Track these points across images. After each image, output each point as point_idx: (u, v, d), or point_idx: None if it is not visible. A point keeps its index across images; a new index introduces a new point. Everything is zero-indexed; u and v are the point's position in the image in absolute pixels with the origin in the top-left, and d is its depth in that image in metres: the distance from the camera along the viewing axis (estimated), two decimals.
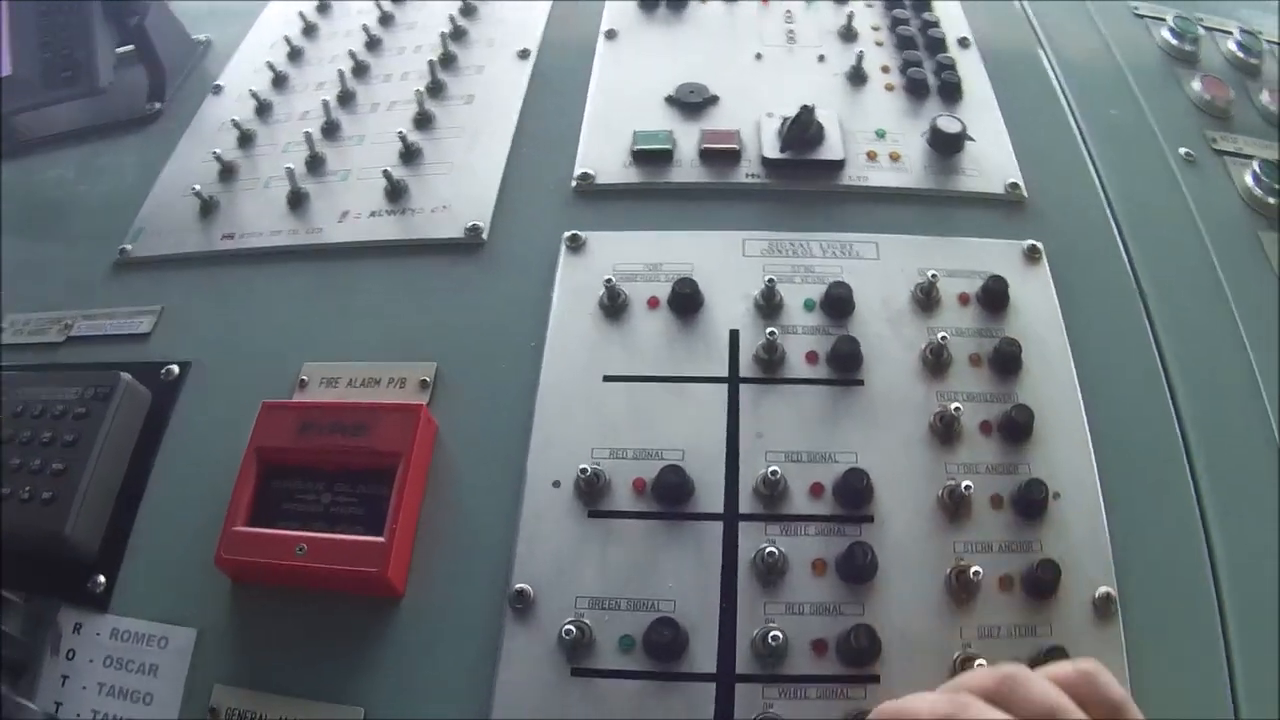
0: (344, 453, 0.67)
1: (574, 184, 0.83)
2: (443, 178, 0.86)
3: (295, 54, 1.04)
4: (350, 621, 0.64)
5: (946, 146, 0.84)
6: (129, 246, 0.87)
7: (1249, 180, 0.87)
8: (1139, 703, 0.57)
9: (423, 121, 0.91)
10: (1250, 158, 0.89)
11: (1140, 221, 0.82)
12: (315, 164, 0.89)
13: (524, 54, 0.97)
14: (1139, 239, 0.80)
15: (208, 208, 0.87)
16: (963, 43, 0.96)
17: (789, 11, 0.99)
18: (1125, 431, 0.70)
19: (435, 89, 0.94)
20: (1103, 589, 0.62)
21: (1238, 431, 0.71)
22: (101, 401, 0.72)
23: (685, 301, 0.73)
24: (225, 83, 1.03)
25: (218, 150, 0.91)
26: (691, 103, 0.89)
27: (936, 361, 0.70)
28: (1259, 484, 0.69)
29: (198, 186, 0.87)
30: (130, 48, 1.04)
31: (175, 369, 0.77)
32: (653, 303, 0.74)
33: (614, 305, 0.74)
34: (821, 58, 0.94)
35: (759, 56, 0.94)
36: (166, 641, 0.66)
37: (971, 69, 0.92)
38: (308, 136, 0.89)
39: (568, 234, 0.78)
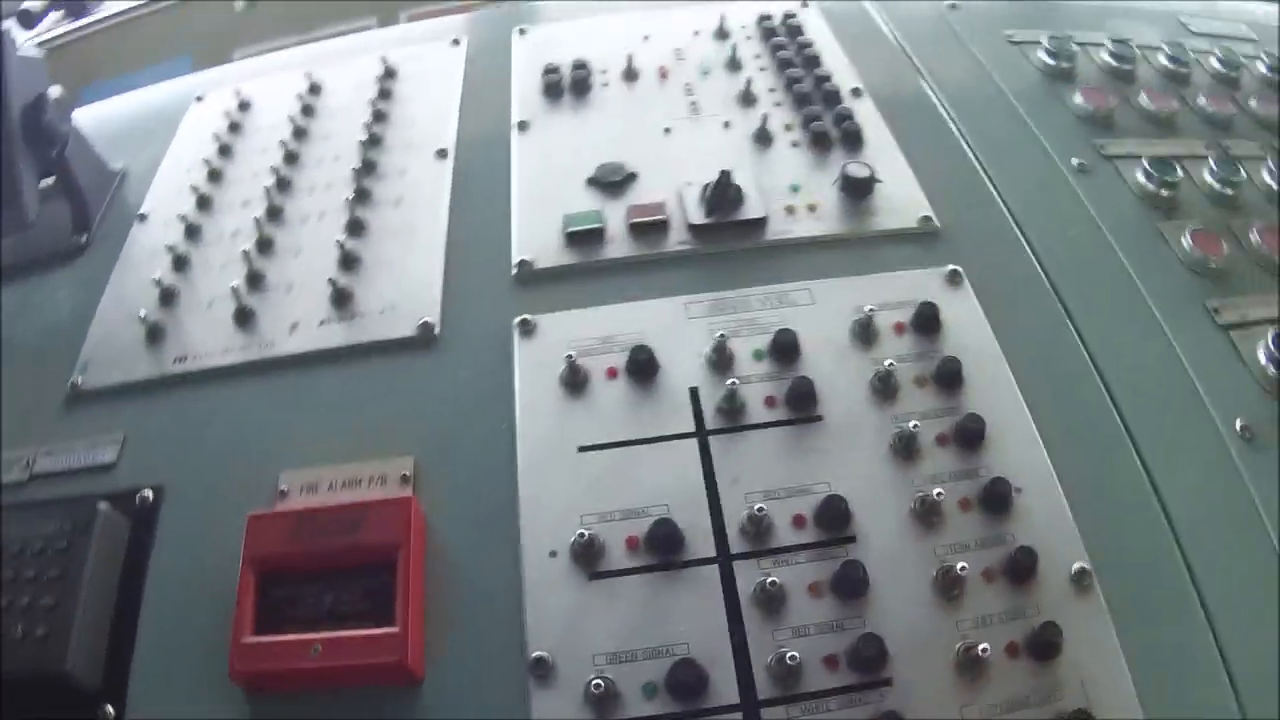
0: (340, 552, 0.68)
1: (514, 271, 0.87)
2: (385, 279, 0.89)
3: (215, 175, 1.05)
4: (376, 715, 0.65)
5: (858, 191, 0.90)
6: (79, 379, 0.86)
7: (1140, 178, 0.95)
8: (1131, 665, 0.62)
9: (356, 228, 0.94)
10: (1138, 157, 0.97)
11: (1046, 232, 0.89)
12: (255, 280, 0.91)
13: (442, 153, 1.01)
14: (1048, 248, 0.87)
15: (155, 333, 0.88)
16: (855, 92, 1.03)
17: (688, 85, 1.05)
18: (1067, 421, 0.75)
19: (362, 195, 0.97)
20: (1077, 564, 0.66)
21: (1167, 402, 0.78)
22: (82, 534, 0.72)
23: (643, 367, 0.76)
24: (149, 210, 1.04)
25: (157, 275, 0.92)
26: (612, 181, 0.93)
27: (885, 387, 0.75)
28: (1194, 446, 0.76)
29: (143, 313, 0.88)
30: (50, 180, 1.04)
31: (149, 494, 0.77)
32: (611, 372, 0.77)
33: (575, 380, 0.77)
34: (727, 124, 1.00)
35: (667, 130, 1.00)
36: None
37: (868, 116, 0.99)
38: (245, 255, 0.91)
39: (518, 320, 0.81)
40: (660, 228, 0.89)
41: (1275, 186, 0.98)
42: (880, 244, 0.88)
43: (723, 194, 0.88)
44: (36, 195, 0.99)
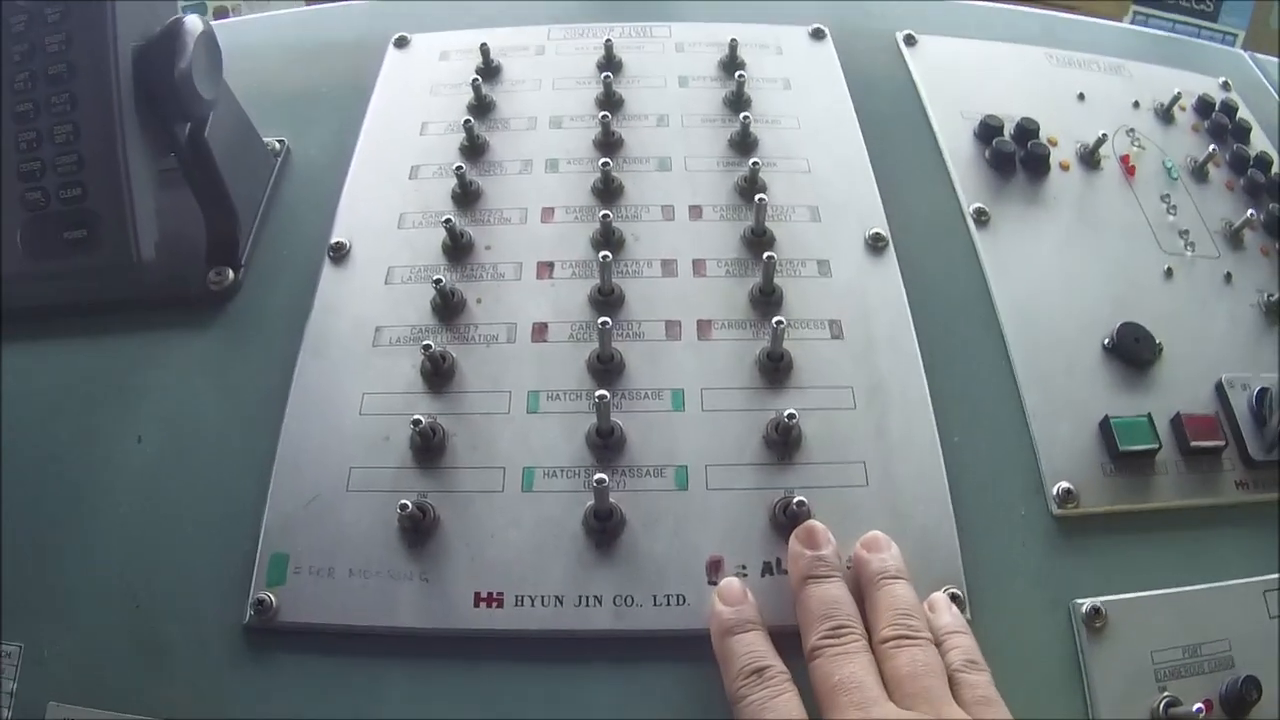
0: None
1: (1054, 509, 0.56)
2: None
3: (465, 184, 0.65)
4: None
5: None
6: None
7: None
8: None
9: None
10: None
11: None
12: None
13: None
14: None
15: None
16: None
17: (1164, 194, 0.72)
18: None
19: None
20: None
21: None
22: None
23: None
24: (347, 237, 0.63)
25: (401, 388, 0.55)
26: (1143, 358, 0.62)
27: None
28: None
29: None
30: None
31: None
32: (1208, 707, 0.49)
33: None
34: (1228, 276, 0.69)
35: (1169, 273, 0.67)
36: None
37: None
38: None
39: (1085, 605, 0.52)
40: (1215, 457, 0.59)
41: None
42: None
43: None
44: (152, 211, 0.55)
